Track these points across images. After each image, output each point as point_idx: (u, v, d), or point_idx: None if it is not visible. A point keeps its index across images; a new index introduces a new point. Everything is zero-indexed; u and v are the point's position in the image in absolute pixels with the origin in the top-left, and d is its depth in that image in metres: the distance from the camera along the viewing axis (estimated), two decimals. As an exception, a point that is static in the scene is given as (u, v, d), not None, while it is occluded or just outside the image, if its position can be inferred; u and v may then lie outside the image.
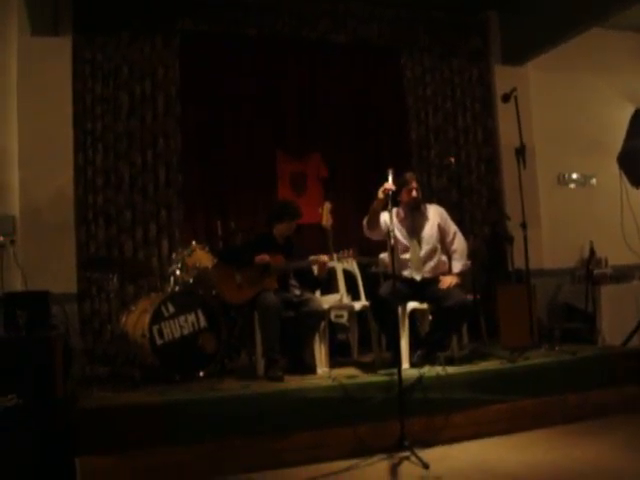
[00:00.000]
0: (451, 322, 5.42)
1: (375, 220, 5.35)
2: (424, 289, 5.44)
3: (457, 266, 5.56)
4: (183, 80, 7.08)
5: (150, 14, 6.92)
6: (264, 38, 7.40)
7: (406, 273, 5.51)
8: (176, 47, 7.06)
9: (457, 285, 5.41)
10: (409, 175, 5.64)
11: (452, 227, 5.69)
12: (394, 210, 5.56)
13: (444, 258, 5.64)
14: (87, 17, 6.66)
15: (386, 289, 5.23)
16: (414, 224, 5.61)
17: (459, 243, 5.65)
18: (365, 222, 5.43)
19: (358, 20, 7.69)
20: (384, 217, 5.33)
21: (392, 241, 4.75)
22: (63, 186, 6.49)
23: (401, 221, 5.61)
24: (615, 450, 4.37)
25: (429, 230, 5.59)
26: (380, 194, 4.97)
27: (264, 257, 5.41)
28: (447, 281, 5.41)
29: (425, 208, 5.67)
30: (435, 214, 5.68)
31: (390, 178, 4.79)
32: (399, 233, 5.53)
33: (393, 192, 4.92)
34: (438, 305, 5.38)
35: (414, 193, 5.56)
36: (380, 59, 7.99)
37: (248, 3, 7.26)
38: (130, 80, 6.87)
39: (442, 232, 5.65)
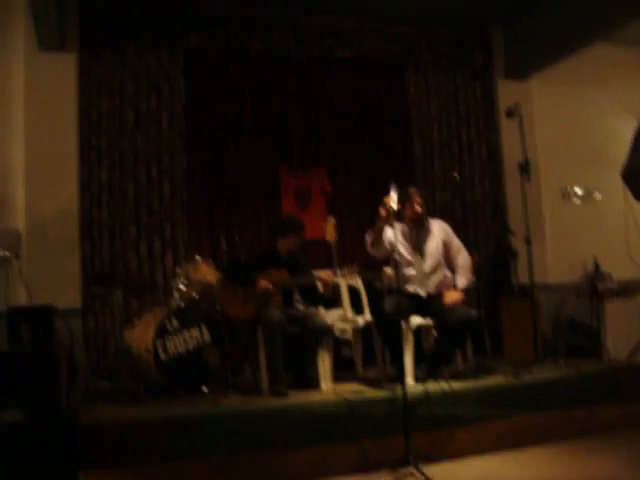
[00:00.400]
0: (455, 337, 5.41)
1: (379, 238, 5.34)
2: (428, 304, 5.44)
3: (461, 281, 5.56)
4: (188, 96, 7.11)
5: (156, 30, 6.96)
6: (269, 53, 7.43)
7: (410, 288, 5.51)
8: (181, 63, 7.09)
9: (461, 300, 5.41)
10: (413, 190, 5.64)
11: (456, 242, 5.69)
12: (398, 225, 5.58)
13: (448, 273, 5.64)
14: (93, 33, 6.71)
15: (390, 304, 5.23)
16: (418, 239, 5.61)
17: (463, 258, 5.66)
18: (369, 241, 5.42)
19: (362, 36, 7.72)
20: (387, 233, 5.34)
21: (396, 256, 4.76)
22: (68, 201, 6.50)
23: (405, 236, 5.61)
24: (620, 467, 4.35)
25: (433, 245, 5.59)
26: (382, 211, 4.96)
27: (266, 284, 5.40)
28: (451, 296, 5.41)
29: (429, 223, 5.68)
30: (439, 229, 5.69)
31: (393, 192, 4.79)
32: (403, 248, 5.54)
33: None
34: (442, 320, 5.37)
35: (418, 208, 5.57)
36: (384, 75, 8.00)
37: (253, 19, 7.30)
38: (135, 96, 6.90)
39: (446, 247, 5.65)
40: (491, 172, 8.17)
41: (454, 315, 5.23)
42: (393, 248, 4.83)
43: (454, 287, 5.55)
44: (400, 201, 5.28)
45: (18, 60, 6.51)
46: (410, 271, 5.53)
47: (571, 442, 4.93)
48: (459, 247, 5.69)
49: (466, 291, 5.54)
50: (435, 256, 5.55)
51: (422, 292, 5.49)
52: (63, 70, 6.61)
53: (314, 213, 7.31)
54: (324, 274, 5.44)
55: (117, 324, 6.08)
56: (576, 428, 5.08)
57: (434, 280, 5.55)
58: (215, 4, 7.12)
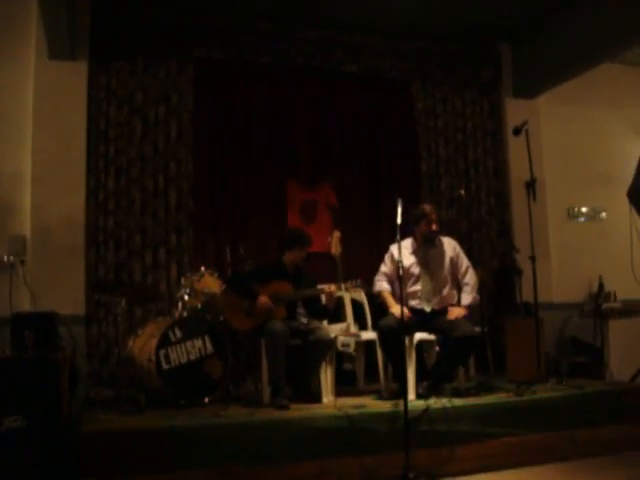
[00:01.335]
0: (458, 354, 5.40)
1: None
2: (432, 320, 5.43)
3: (467, 299, 5.55)
4: (196, 107, 7.14)
5: (165, 42, 7.01)
6: (277, 67, 7.47)
7: (414, 303, 5.50)
8: (190, 74, 7.13)
9: (464, 317, 5.40)
10: (429, 208, 5.63)
11: (465, 261, 5.68)
12: (408, 240, 5.59)
13: (454, 291, 5.63)
14: (104, 43, 6.76)
15: (394, 319, 5.23)
16: (427, 255, 5.61)
17: (471, 277, 5.64)
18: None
19: (371, 51, 7.76)
20: (393, 249, 5.34)
21: (400, 272, 4.76)
22: (74, 208, 6.53)
23: (414, 252, 5.61)
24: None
25: (441, 262, 5.59)
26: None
27: (267, 301, 5.40)
28: (455, 312, 5.41)
29: (439, 240, 5.67)
30: (449, 246, 5.68)
31: (399, 208, 4.79)
32: (410, 263, 5.54)
33: (405, 224, 4.93)
34: (445, 336, 5.36)
35: (434, 226, 5.56)
36: (392, 90, 8.03)
37: (262, 32, 7.34)
38: (144, 105, 6.93)
39: (454, 265, 5.65)
40: (497, 190, 8.18)
41: (457, 331, 5.21)
42: (398, 265, 4.81)
43: (458, 304, 5.55)
44: (413, 217, 5.35)
45: (28, 68, 6.56)
46: (416, 286, 5.53)
47: (573, 462, 4.89)
48: (468, 266, 5.67)
49: (470, 308, 5.53)
50: (443, 273, 5.55)
51: (427, 308, 5.48)
52: (73, 79, 6.66)
53: (320, 227, 7.31)
54: (328, 287, 5.44)
55: (120, 332, 6.09)
56: (578, 448, 5.04)
57: (440, 297, 5.54)
58: (225, 16, 7.17)
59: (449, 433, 4.71)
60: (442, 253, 5.63)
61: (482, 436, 4.81)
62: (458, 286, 5.66)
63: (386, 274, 5.63)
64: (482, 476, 4.64)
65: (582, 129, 8.44)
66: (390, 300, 5.53)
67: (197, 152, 7.12)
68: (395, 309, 5.38)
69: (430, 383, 5.34)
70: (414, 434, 4.41)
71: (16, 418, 4.14)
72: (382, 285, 5.61)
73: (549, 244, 8.07)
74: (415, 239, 5.65)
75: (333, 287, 5.41)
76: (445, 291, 5.56)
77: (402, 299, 4.83)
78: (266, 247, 7.02)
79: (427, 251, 5.62)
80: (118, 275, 6.64)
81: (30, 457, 4.09)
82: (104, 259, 6.64)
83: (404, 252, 5.48)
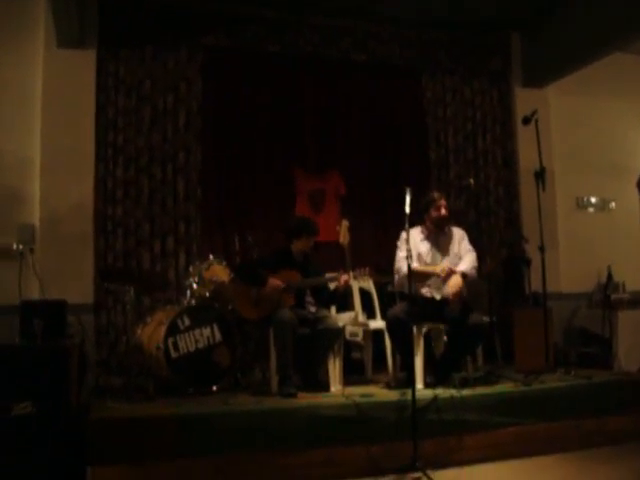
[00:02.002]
0: (466, 343, 5.40)
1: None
2: (441, 309, 5.41)
3: (462, 266, 5.47)
4: (205, 95, 7.13)
5: (174, 29, 6.99)
6: (285, 55, 7.46)
7: (425, 291, 5.49)
8: (199, 62, 7.11)
9: (460, 291, 5.32)
10: (437, 194, 5.63)
11: (468, 246, 5.66)
12: (418, 228, 5.58)
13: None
14: (112, 31, 6.75)
15: (402, 308, 5.22)
16: (438, 243, 5.60)
17: (470, 256, 5.58)
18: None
19: (379, 40, 7.72)
20: (405, 236, 5.33)
21: (410, 261, 4.75)
22: (83, 197, 6.54)
23: (426, 238, 5.60)
24: (629, 478, 4.33)
25: (453, 250, 5.58)
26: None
27: (277, 282, 5.41)
28: (453, 284, 5.34)
29: (450, 229, 5.66)
30: (457, 235, 5.68)
31: (408, 198, 4.77)
32: (422, 250, 5.53)
33: (417, 210, 4.92)
34: (453, 326, 5.36)
35: (444, 212, 5.55)
36: (401, 79, 8.00)
37: (271, 20, 7.32)
38: (153, 94, 6.92)
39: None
40: (506, 179, 8.16)
41: (466, 321, 5.21)
42: (410, 253, 4.79)
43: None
44: (423, 204, 5.33)
45: (37, 56, 6.56)
46: (429, 275, 5.51)
47: (580, 452, 4.90)
48: (470, 249, 5.65)
49: (466, 278, 5.43)
50: (454, 262, 5.52)
51: (437, 296, 5.46)
52: (81, 67, 6.65)
53: (328, 216, 7.31)
54: (341, 275, 5.41)
55: (129, 321, 6.11)
56: (585, 438, 5.04)
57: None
58: (233, 5, 7.15)
59: (457, 422, 4.72)
60: (453, 241, 5.63)
61: (490, 426, 4.81)
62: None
63: (405, 257, 5.59)
64: (489, 465, 4.65)
65: (591, 119, 8.40)
66: (426, 269, 5.47)
67: (205, 141, 7.11)
68: (439, 268, 5.39)
69: (438, 373, 5.35)
70: (422, 423, 4.42)
71: (26, 405, 4.18)
72: (407, 267, 5.45)
73: (558, 234, 8.05)
74: (425, 227, 5.64)
75: (345, 276, 5.39)
76: (456, 279, 5.54)
77: (410, 288, 4.82)
78: (275, 236, 7.01)
79: (438, 239, 5.61)
80: (127, 263, 6.65)
81: (39, 443, 4.12)
82: (113, 247, 6.65)
83: (415, 240, 5.50)
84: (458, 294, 5.30)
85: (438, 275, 5.39)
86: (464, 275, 5.38)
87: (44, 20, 6.52)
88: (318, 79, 7.72)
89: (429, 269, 5.46)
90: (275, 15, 7.33)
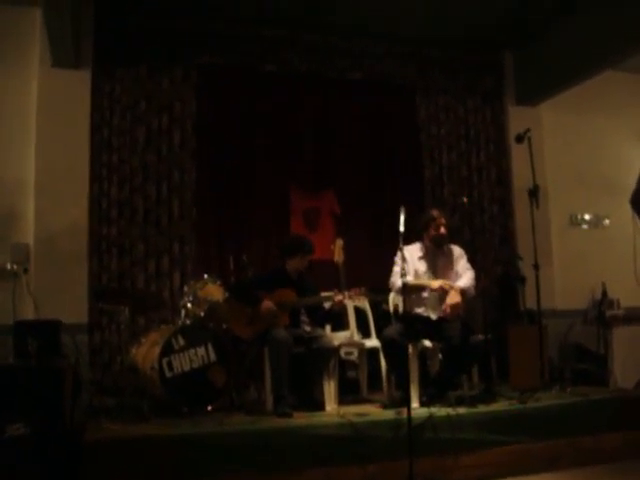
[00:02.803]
0: (461, 362, 5.39)
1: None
2: (437, 328, 5.40)
3: (460, 282, 5.46)
4: (199, 115, 7.16)
5: (169, 49, 7.03)
6: (281, 74, 7.49)
7: (420, 311, 5.48)
8: (194, 82, 7.14)
9: (458, 307, 5.32)
10: (436, 212, 5.64)
11: (466, 264, 5.66)
12: (416, 245, 5.58)
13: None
14: (107, 51, 6.78)
15: (397, 329, 5.21)
16: (436, 263, 5.59)
17: (469, 275, 5.59)
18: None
19: (374, 58, 7.78)
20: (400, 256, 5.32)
21: (405, 280, 4.75)
22: (77, 216, 6.54)
23: (423, 257, 5.59)
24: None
25: (450, 269, 5.57)
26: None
27: (270, 305, 5.39)
28: (450, 299, 5.33)
29: (448, 248, 5.66)
30: (457, 254, 5.67)
31: (402, 216, 4.78)
32: (420, 268, 5.53)
33: (414, 228, 4.92)
34: (448, 344, 5.35)
35: (443, 230, 5.55)
36: (395, 97, 8.05)
37: (266, 38, 7.36)
38: (147, 113, 6.95)
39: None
40: (500, 197, 8.18)
41: (467, 341, 5.21)
42: (404, 271, 4.79)
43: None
44: (421, 222, 5.34)
45: (32, 75, 6.60)
46: (424, 294, 5.50)
47: (576, 470, 4.88)
48: (468, 267, 5.65)
49: (464, 295, 5.44)
50: (454, 279, 5.51)
51: (433, 316, 5.46)
52: (76, 87, 6.68)
53: (323, 234, 7.31)
54: (335, 295, 5.41)
55: (123, 341, 6.08)
56: (582, 456, 5.02)
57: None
58: (228, 23, 7.19)
59: (453, 441, 4.70)
60: (451, 260, 5.62)
61: (486, 444, 4.79)
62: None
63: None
64: (486, 484, 4.64)
65: (584, 136, 8.44)
66: (421, 281, 5.47)
67: (200, 160, 7.13)
68: (435, 284, 5.38)
69: (434, 391, 5.33)
70: (418, 442, 4.39)
71: (19, 426, 4.15)
72: (401, 281, 5.43)
73: (552, 251, 8.06)
74: (424, 244, 5.64)
75: (340, 296, 5.37)
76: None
77: (405, 307, 4.82)
78: (270, 255, 7.02)
79: (436, 257, 5.61)
80: (121, 283, 6.65)
81: (32, 465, 4.08)
82: (107, 267, 6.64)
83: (413, 257, 5.51)
84: (457, 309, 5.29)
85: (432, 289, 5.38)
86: (462, 291, 5.38)
87: (39, 39, 6.55)
88: (313, 97, 7.76)
89: (424, 282, 5.46)
90: (270, 33, 7.37)
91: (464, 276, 5.55)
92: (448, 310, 5.28)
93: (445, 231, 5.57)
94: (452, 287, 5.37)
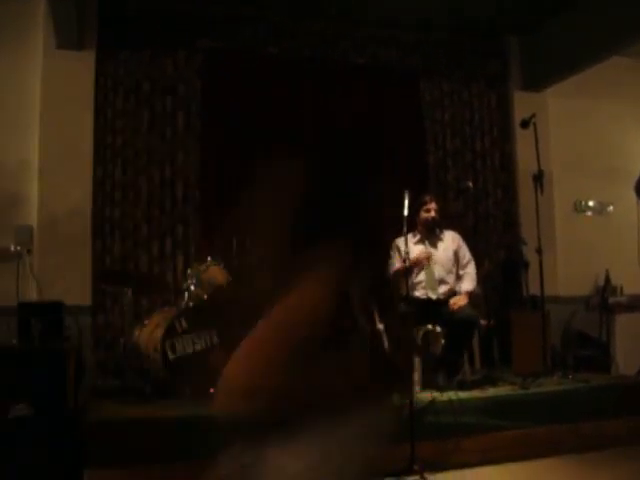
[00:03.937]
0: (459, 337, 5.39)
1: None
2: (437, 310, 5.42)
3: (467, 285, 5.56)
4: (203, 97, 7.13)
5: (173, 32, 6.98)
6: (284, 57, 7.45)
7: (419, 294, 5.50)
8: (198, 64, 7.11)
9: (464, 307, 5.40)
10: (428, 197, 5.67)
11: (467, 254, 5.70)
12: (410, 234, 5.60)
13: (457, 285, 5.65)
14: (111, 33, 6.74)
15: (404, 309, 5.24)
16: (431, 246, 5.61)
17: (471, 268, 5.66)
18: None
19: (378, 43, 7.72)
20: (398, 243, 5.33)
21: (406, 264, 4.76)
22: (81, 198, 6.52)
23: (418, 242, 5.62)
24: (629, 482, 4.33)
25: (444, 253, 5.60)
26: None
27: None
28: (457, 301, 5.39)
29: (442, 232, 5.68)
30: (452, 239, 5.70)
31: (406, 200, 4.79)
32: (417, 253, 5.54)
33: (409, 215, 4.94)
34: (447, 321, 5.37)
35: (432, 213, 5.57)
36: (399, 82, 7.99)
37: (269, 22, 7.32)
38: (151, 96, 6.92)
39: (457, 258, 5.66)
40: (504, 182, 8.15)
41: (456, 316, 5.25)
42: (405, 257, 4.81)
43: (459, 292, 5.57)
44: (414, 206, 5.37)
45: (36, 57, 6.54)
46: (420, 277, 5.53)
47: (578, 455, 4.89)
48: (469, 259, 5.70)
49: (471, 295, 5.52)
50: (446, 264, 5.56)
51: (432, 295, 5.48)
52: (80, 68, 6.63)
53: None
54: None
55: (126, 323, 6.09)
56: (583, 442, 5.04)
57: (444, 287, 5.55)
58: (231, 6, 7.13)
59: (454, 425, 4.72)
60: (446, 244, 5.66)
61: (487, 429, 4.82)
62: (459, 278, 5.69)
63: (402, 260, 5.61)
64: (487, 468, 4.65)
65: (590, 122, 8.40)
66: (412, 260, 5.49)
67: (204, 143, 7.11)
68: (423, 254, 5.50)
69: (436, 375, 5.35)
70: (419, 426, 4.41)
71: (23, 406, 4.17)
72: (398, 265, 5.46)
73: (556, 237, 8.04)
74: (418, 230, 5.67)
75: None
76: (449, 283, 5.57)
77: (407, 291, 4.83)
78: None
79: (431, 241, 5.64)
80: (124, 265, 6.64)
81: (36, 445, 4.10)
82: (111, 249, 6.64)
83: (409, 244, 5.51)
84: (462, 309, 5.39)
85: (412, 262, 5.38)
86: (469, 294, 5.47)
87: (43, 21, 6.51)
88: (316, 82, 7.70)
89: (414, 259, 5.47)
90: (274, 17, 7.33)
91: (467, 275, 5.61)
92: (454, 308, 5.35)
93: (436, 215, 5.59)
94: (430, 254, 5.45)
